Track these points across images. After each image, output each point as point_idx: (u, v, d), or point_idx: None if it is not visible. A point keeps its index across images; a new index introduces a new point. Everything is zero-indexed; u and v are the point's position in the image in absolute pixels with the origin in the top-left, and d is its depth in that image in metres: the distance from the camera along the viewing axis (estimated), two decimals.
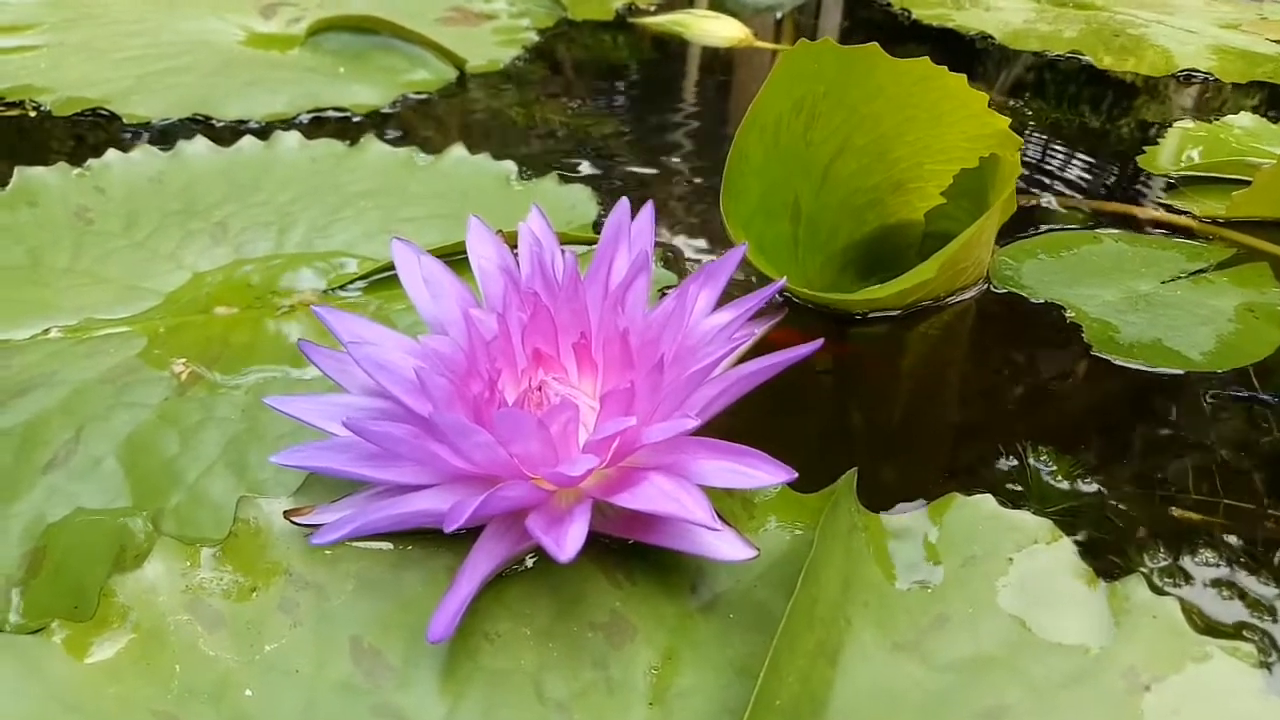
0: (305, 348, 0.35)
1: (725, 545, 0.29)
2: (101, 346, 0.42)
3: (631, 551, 0.32)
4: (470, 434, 0.30)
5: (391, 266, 0.48)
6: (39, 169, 0.55)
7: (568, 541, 0.27)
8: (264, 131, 0.62)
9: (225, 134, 0.66)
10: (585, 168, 0.65)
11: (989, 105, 0.44)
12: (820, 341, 0.33)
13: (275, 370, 0.42)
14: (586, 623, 0.30)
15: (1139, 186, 0.65)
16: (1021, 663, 0.30)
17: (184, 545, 0.31)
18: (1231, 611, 0.33)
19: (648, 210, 0.39)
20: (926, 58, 0.42)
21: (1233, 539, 0.35)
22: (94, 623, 0.29)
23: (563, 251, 0.37)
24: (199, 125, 0.67)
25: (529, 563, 0.32)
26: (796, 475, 0.30)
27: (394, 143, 0.62)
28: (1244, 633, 0.32)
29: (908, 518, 0.34)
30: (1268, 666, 0.31)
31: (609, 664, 0.29)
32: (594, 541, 0.31)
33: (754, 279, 0.47)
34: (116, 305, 0.46)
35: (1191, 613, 0.32)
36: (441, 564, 0.32)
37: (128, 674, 0.28)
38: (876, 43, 0.41)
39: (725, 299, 0.37)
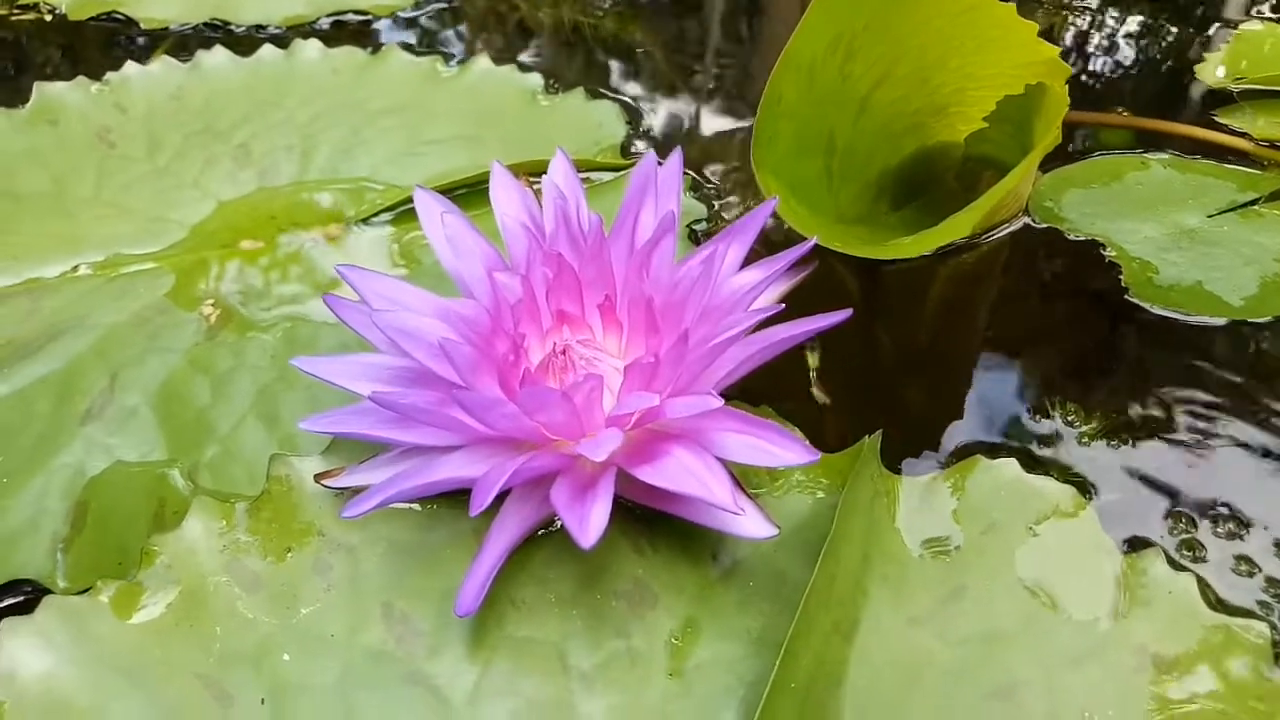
0: (331, 303, 0.35)
1: (747, 523, 0.30)
2: (130, 286, 0.43)
3: (654, 517, 0.33)
4: (496, 407, 0.30)
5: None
6: (58, 85, 0.54)
7: (590, 527, 0.28)
8: (283, 39, 0.60)
9: (244, 41, 0.64)
10: (614, 77, 0.63)
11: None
12: (849, 312, 0.33)
13: (303, 308, 0.42)
14: (610, 591, 0.31)
15: (1195, 101, 0.62)
16: (1035, 638, 0.30)
17: (220, 503, 0.32)
18: (1249, 589, 0.33)
19: (675, 159, 0.37)
20: None
21: (1256, 510, 0.35)
22: (138, 583, 0.30)
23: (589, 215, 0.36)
24: (217, 32, 0.65)
25: (554, 525, 0.33)
26: (820, 457, 0.30)
27: (417, 50, 0.60)
28: (1259, 611, 0.32)
29: (930, 480, 0.34)
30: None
31: (631, 633, 0.30)
32: (617, 506, 0.32)
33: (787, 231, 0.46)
34: (143, 238, 0.46)
35: (1208, 589, 0.32)
36: (468, 525, 0.32)
37: (171, 636, 0.29)
38: None
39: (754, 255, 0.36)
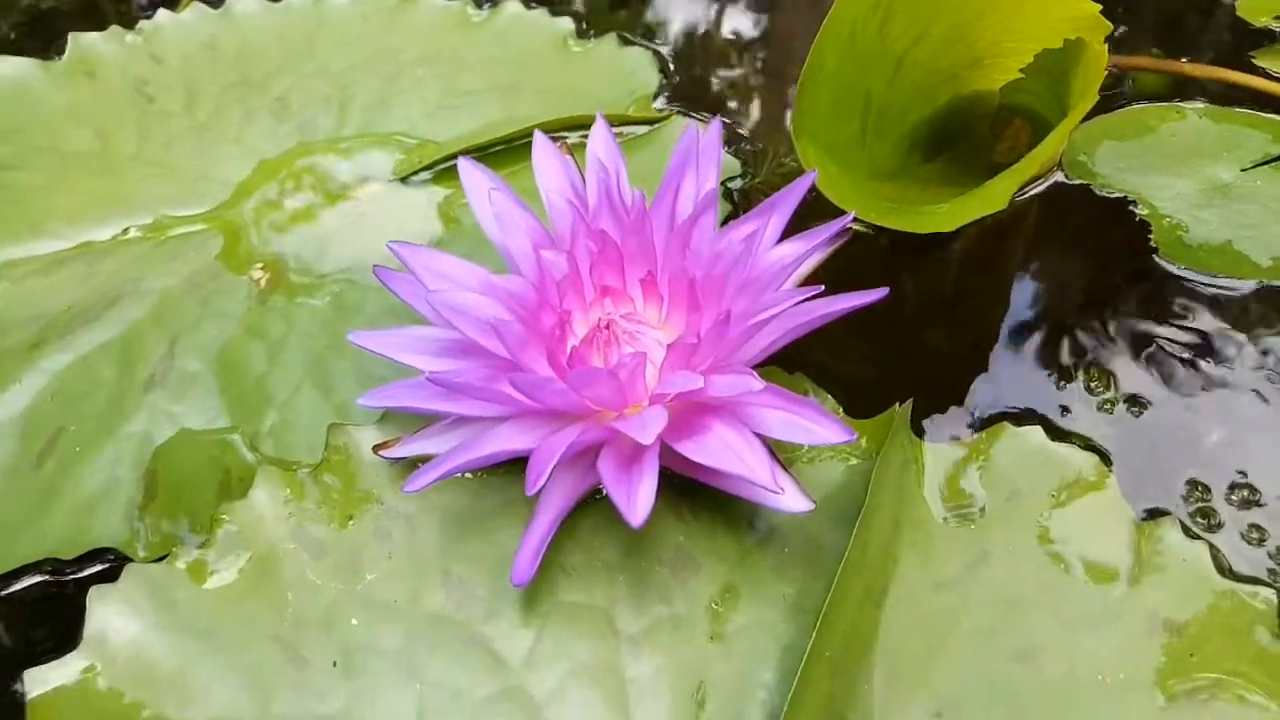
0: (382, 275, 0.37)
1: (785, 499, 0.31)
2: (181, 248, 0.44)
3: (694, 485, 0.34)
4: (547, 385, 0.32)
5: (454, 155, 0.48)
6: (93, 35, 0.55)
7: (639, 505, 0.30)
8: None
9: None
10: (648, 14, 0.62)
11: None
12: (885, 290, 0.34)
13: (349, 271, 0.43)
14: (654, 558, 0.33)
15: (1235, 41, 0.61)
16: (1054, 602, 0.32)
17: (284, 471, 0.34)
18: (1259, 556, 0.34)
19: (715, 129, 0.38)
20: None
21: (1270, 479, 0.37)
22: (211, 550, 0.32)
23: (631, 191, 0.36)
24: None
25: (600, 493, 0.34)
26: (856, 436, 0.31)
27: None
28: (1267, 578, 0.34)
29: (957, 447, 0.36)
30: None
31: (674, 598, 0.32)
32: (660, 476, 0.33)
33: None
34: (189, 199, 0.47)
35: (1219, 557, 0.34)
36: (518, 492, 0.34)
37: (246, 601, 0.32)
38: None
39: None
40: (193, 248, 0.44)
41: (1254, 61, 0.58)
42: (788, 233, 0.37)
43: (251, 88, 0.53)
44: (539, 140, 0.39)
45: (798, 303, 0.33)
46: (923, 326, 0.43)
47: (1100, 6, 0.43)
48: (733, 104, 0.56)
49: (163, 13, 0.56)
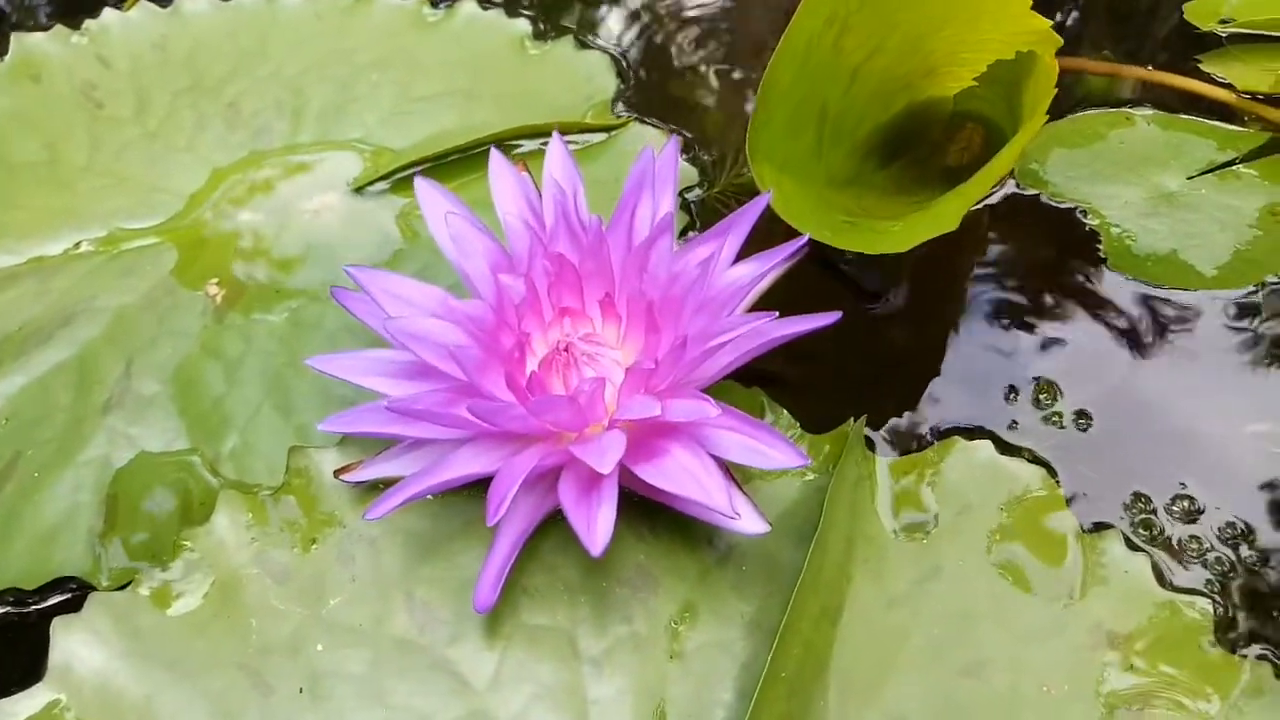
0: (339, 296, 0.37)
1: (741, 523, 0.32)
2: (135, 264, 0.43)
3: (654, 504, 0.35)
4: (506, 410, 0.32)
5: (411, 165, 0.48)
6: (37, 36, 0.53)
7: (598, 533, 0.30)
8: None
9: None
10: (606, 14, 0.62)
11: None
12: (839, 315, 0.34)
13: (306, 286, 0.43)
14: (614, 577, 0.34)
15: (1184, 44, 0.62)
16: (1002, 615, 0.33)
17: (245, 495, 0.34)
18: (1198, 568, 0.36)
19: (671, 149, 0.38)
20: None
21: (1210, 493, 0.38)
22: (173, 576, 0.32)
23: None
24: None
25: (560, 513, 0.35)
26: (810, 462, 0.32)
27: None
28: (1205, 589, 0.35)
29: (908, 462, 0.37)
30: (1223, 621, 0.35)
31: (634, 618, 0.33)
32: (620, 497, 0.34)
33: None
34: (141, 211, 0.46)
35: (1160, 569, 0.35)
36: (478, 513, 0.34)
37: (210, 628, 0.32)
38: None
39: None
40: (147, 262, 0.44)
41: (1200, 67, 0.59)
42: (748, 244, 0.37)
43: (203, 93, 0.52)
44: (495, 159, 0.39)
45: (753, 327, 0.33)
46: (876, 336, 0.44)
47: (1051, 22, 0.44)
48: (691, 110, 0.56)
49: (109, 12, 0.55)
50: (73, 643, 0.31)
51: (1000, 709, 0.31)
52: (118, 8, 0.56)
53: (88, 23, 0.55)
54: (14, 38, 0.53)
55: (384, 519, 0.34)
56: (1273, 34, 0.60)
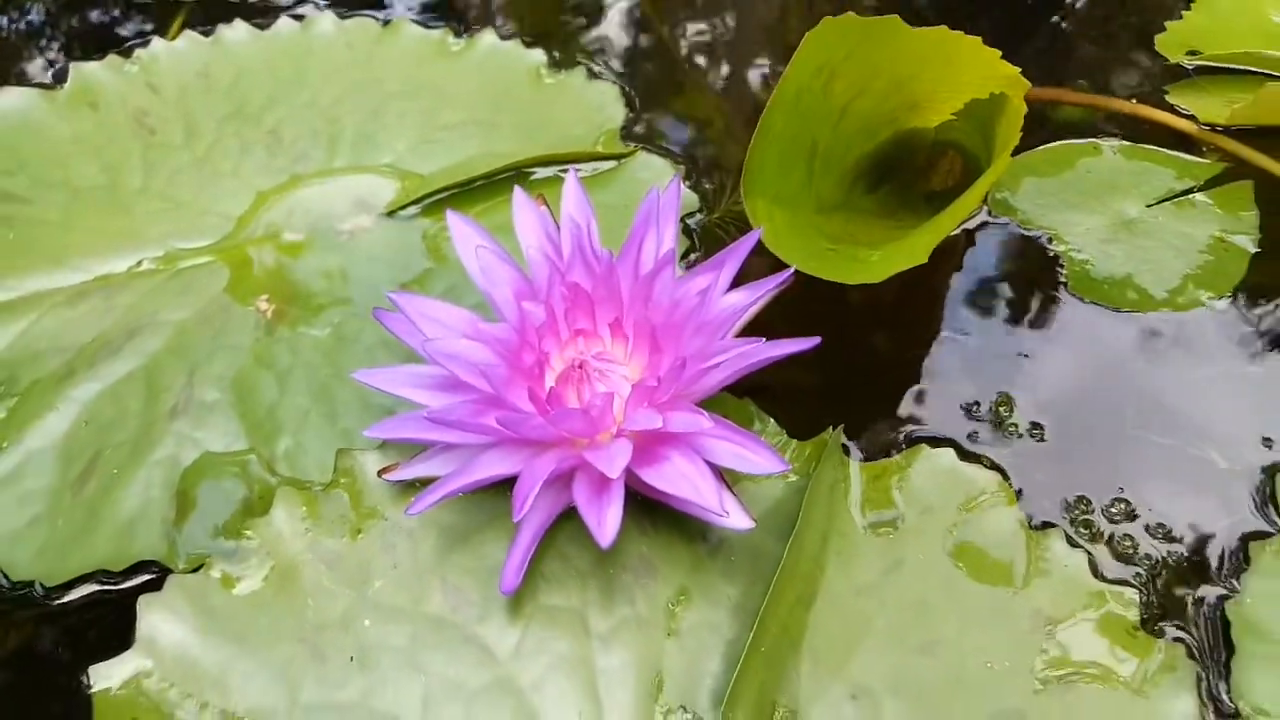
0: (381, 317, 0.42)
1: (729, 519, 0.37)
2: (191, 281, 0.49)
3: (655, 503, 0.40)
4: (528, 420, 0.37)
5: (438, 191, 0.53)
6: (92, 65, 0.58)
7: (607, 528, 0.35)
8: (296, 13, 0.64)
9: (259, 9, 0.67)
10: (614, 41, 0.67)
11: None
12: (818, 340, 0.39)
13: (347, 303, 0.48)
14: (620, 565, 0.39)
15: (1154, 75, 0.66)
16: (954, 602, 0.38)
17: (299, 491, 0.39)
18: (1128, 563, 0.41)
19: (673, 189, 0.43)
20: (944, 26, 0.45)
21: (1143, 496, 0.43)
22: (238, 561, 0.38)
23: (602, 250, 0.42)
24: (233, 1, 0.68)
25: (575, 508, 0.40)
26: (789, 468, 0.37)
27: (424, 11, 0.64)
28: (1134, 581, 0.40)
29: (879, 467, 0.42)
30: (1146, 607, 0.40)
31: (637, 601, 0.38)
32: (625, 495, 0.39)
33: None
34: (194, 232, 0.51)
35: (1096, 563, 0.40)
36: (503, 508, 0.40)
37: (272, 606, 0.37)
38: (897, 15, 0.44)
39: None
40: (202, 280, 0.49)
41: (1166, 98, 0.63)
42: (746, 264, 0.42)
43: (246, 120, 0.57)
44: (518, 198, 0.44)
45: (742, 350, 0.38)
46: (856, 353, 0.49)
47: (1019, 69, 0.48)
48: (694, 139, 0.61)
49: (157, 41, 0.60)
50: (155, 618, 0.36)
51: (949, 681, 0.36)
52: (162, 36, 0.61)
53: (138, 52, 0.60)
54: (72, 67, 0.58)
55: (422, 515, 0.39)
56: (1234, 66, 0.65)
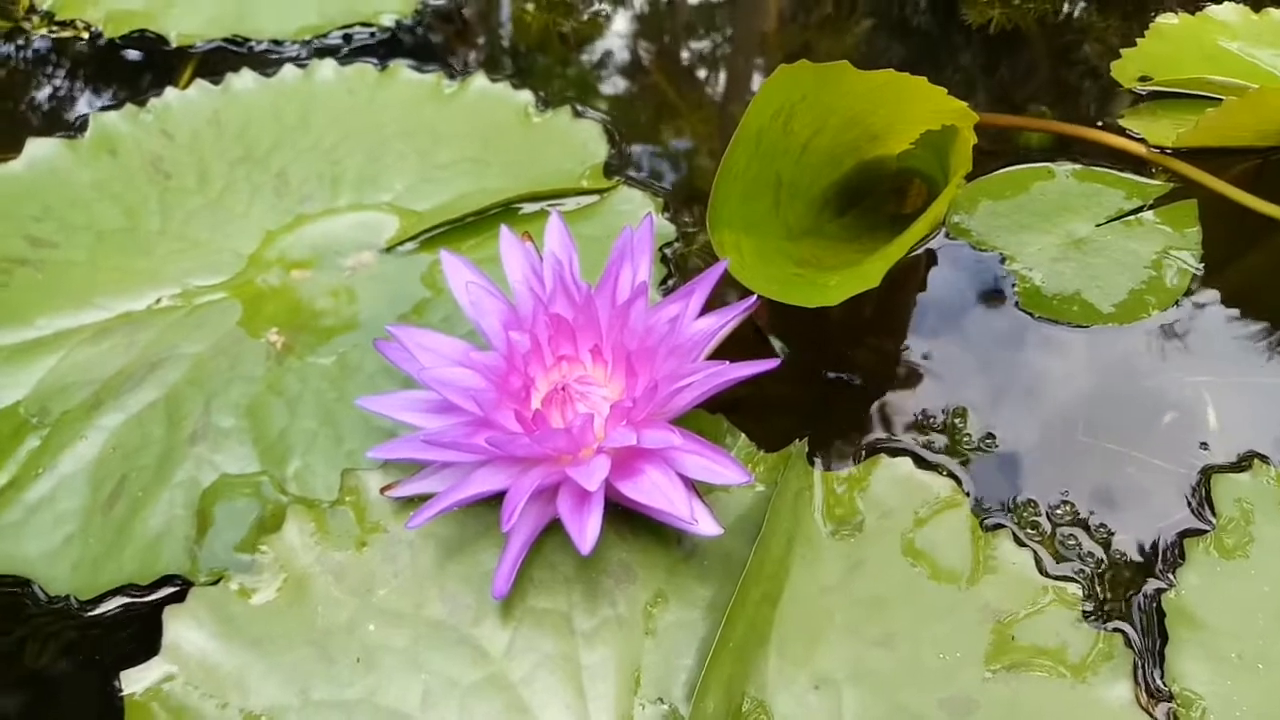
0: (382, 348, 0.46)
1: (700, 527, 0.41)
2: (207, 317, 0.52)
3: (633, 512, 0.44)
4: (516, 439, 0.41)
5: (434, 227, 0.57)
6: (111, 115, 0.63)
7: (587, 537, 0.39)
8: (301, 60, 0.68)
9: (265, 59, 0.71)
10: (602, 85, 0.71)
11: None
12: (778, 361, 0.43)
13: (352, 332, 0.52)
14: (602, 570, 0.42)
15: (1111, 100, 0.70)
16: (910, 599, 0.42)
17: (309, 509, 0.43)
18: (1071, 560, 0.45)
19: (647, 226, 0.47)
20: (891, 69, 0.48)
21: (1085, 499, 0.47)
22: (254, 574, 0.41)
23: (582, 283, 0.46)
24: (241, 52, 0.72)
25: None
26: (753, 480, 0.41)
27: (421, 57, 0.69)
28: (1076, 576, 0.44)
29: (842, 476, 0.45)
30: (1088, 601, 0.43)
31: (617, 603, 0.42)
32: (605, 505, 0.42)
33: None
34: (208, 271, 0.55)
35: (1042, 561, 0.44)
36: (494, 522, 0.43)
37: (285, 614, 0.41)
38: (847, 60, 0.48)
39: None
40: (216, 315, 0.53)
41: (1119, 122, 0.67)
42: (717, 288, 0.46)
43: (255, 164, 0.61)
44: (505, 238, 0.48)
45: (709, 372, 0.42)
46: (820, 370, 0.53)
47: (966, 103, 0.52)
48: (673, 172, 0.65)
49: (170, 90, 0.64)
50: (180, 627, 0.40)
51: (904, 671, 0.40)
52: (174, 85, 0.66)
53: (152, 100, 0.64)
54: (91, 116, 0.62)
55: (421, 529, 0.43)
56: (1183, 91, 0.69)
